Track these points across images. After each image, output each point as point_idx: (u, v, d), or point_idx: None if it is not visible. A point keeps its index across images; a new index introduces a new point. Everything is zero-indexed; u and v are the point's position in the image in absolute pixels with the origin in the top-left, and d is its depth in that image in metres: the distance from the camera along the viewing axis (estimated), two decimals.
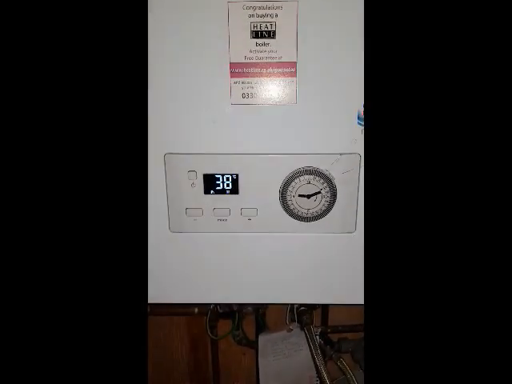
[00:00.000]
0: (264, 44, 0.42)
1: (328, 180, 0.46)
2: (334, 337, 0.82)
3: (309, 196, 0.46)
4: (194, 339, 0.92)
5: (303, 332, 0.74)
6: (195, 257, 0.50)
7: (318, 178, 0.46)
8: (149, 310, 0.72)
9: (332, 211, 0.47)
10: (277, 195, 0.47)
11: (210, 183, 0.47)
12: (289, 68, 0.43)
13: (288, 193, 0.47)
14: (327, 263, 0.49)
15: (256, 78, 0.43)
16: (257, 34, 0.42)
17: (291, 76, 0.43)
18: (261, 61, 0.42)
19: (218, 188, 0.47)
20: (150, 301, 0.50)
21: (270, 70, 0.43)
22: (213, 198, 0.47)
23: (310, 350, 0.71)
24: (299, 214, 0.47)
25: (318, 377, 0.71)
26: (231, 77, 0.43)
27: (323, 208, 0.47)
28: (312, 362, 0.72)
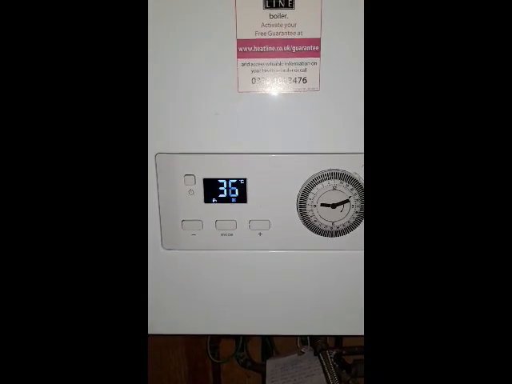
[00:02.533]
0: (280, 16, 0.34)
1: (358, 186, 0.37)
2: (349, 358, 0.74)
3: (334, 205, 0.38)
4: (193, 360, 0.86)
5: (316, 356, 0.67)
6: (193, 279, 0.41)
7: (345, 184, 0.38)
8: None
9: (362, 224, 0.39)
10: (294, 204, 0.39)
11: (211, 190, 0.39)
12: (311, 46, 0.34)
13: (308, 201, 0.39)
14: (355, 286, 0.40)
15: (269, 59, 0.35)
16: (271, 3, 0.33)
17: (314, 56, 0.35)
18: (276, 37, 0.34)
19: (221, 196, 0.39)
20: None
21: (286, 48, 0.34)
22: (215, 207, 0.39)
23: (326, 378, 0.63)
24: (322, 227, 0.39)
25: None
26: (238, 57, 0.35)
27: (352, 220, 0.39)
28: None
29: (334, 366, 0.70)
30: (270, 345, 0.77)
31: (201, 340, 0.81)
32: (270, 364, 0.71)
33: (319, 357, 0.64)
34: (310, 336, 0.69)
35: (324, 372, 0.63)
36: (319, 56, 0.35)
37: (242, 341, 0.76)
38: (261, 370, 0.78)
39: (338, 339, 0.79)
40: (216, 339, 0.76)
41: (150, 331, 0.43)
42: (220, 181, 0.38)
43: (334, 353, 0.72)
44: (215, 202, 0.39)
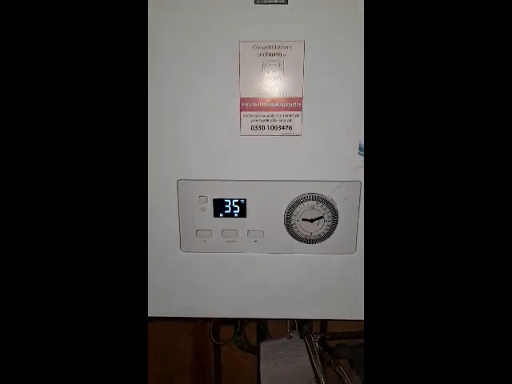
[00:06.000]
0: (272, 80, 0.45)
1: (330, 205, 0.49)
2: (333, 343, 0.85)
3: (312, 220, 0.49)
4: (197, 343, 0.95)
5: (303, 339, 0.78)
6: (204, 274, 0.53)
7: (320, 204, 0.49)
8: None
9: (334, 234, 0.50)
10: (282, 219, 0.50)
11: (219, 207, 0.50)
12: (295, 103, 0.46)
13: (293, 217, 0.50)
14: (329, 281, 0.52)
15: (264, 112, 0.46)
16: (266, 72, 0.45)
17: (297, 110, 0.46)
18: (269, 96, 0.45)
19: (226, 211, 0.50)
20: (161, 315, 0.53)
21: (277, 104, 0.46)
22: (222, 220, 0.50)
23: (310, 358, 0.74)
24: (303, 236, 0.50)
25: (316, 382, 0.74)
26: (241, 110, 0.46)
27: (325, 231, 0.50)
28: (311, 368, 0.75)
29: (319, 348, 0.80)
30: (264, 330, 0.86)
31: (204, 326, 0.90)
32: (264, 346, 0.80)
33: (304, 339, 0.75)
34: (299, 322, 0.79)
35: (308, 352, 0.74)
36: (301, 110, 0.46)
37: (239, 326, 0.84)
38: (256, 352, 0.85)
39: (323, 326, 0.90)
40: (217, 325, 0.86)
41: (171, 315, 0.54)
42: (226, 200, 0.49)
43: (319, 337, 0.82)
44: (222, 217, 0.50)
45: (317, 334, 0.82)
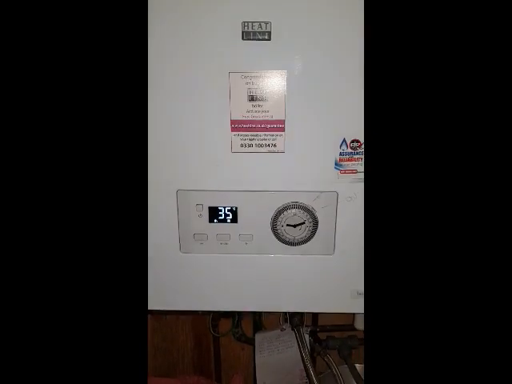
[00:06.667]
0: (258, 105, 0.52)
1: (311, 213, 0.56)
2: (323, 335, 0.90)
3: (295, 225, 0.55)
4: (198, 335, 1.01)
5: (294, 331, 0.84)
6: (201, 273, 0.59)
7: (302, 211, 0.55)
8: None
9: (314, 238, 0.57)
10: (269, 224, 0.56)
11: (214, 214, 0.56)
12: (278, 124, 0.52)
13: (278, 222, 0.56)
14: (310, 279, 0.59)
15: (252, 132, 0.53)
16: (252, 98, 0.51)
17: (280, 130, 0.52)
18: (256, 119, 0.52)
19: (220, 218, 0.56)
20: (164, 308, 0.60)
21: (263, 125, 0.52)
22: (216, 225, 0.57)
23: (299, 348, 0.80)
24: (287, 239, 0.57)
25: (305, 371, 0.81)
26: (232, 131, 0.52)
27: (307, 235, 0.57)
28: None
29: (310, 339, 0.87)
30: (259, 322, 0.92)
31: (204, 319, 0.95)
32: (258, 337, 0.87)
33: (294, 331, 0.82)
34: (290, 316, 0.85)
35: (297, 343, 0.80)
36: (284, 130, 0.53)
37: (237, 319, 0.91)
38: (253, 343, 0.90)
39: (314, 319, 0.94)
40: (216, 318, 0.91)
41: (172, 308, 0.61)
42: (219, 208, 0.56)
43: (310, 329, 0.89)
44: (216, 222, 0.56)
45: (308, 326, 0.88)
